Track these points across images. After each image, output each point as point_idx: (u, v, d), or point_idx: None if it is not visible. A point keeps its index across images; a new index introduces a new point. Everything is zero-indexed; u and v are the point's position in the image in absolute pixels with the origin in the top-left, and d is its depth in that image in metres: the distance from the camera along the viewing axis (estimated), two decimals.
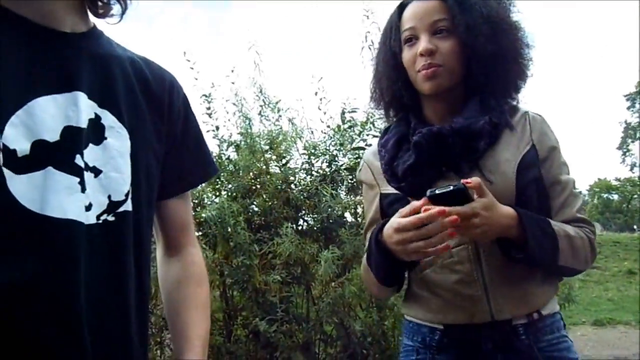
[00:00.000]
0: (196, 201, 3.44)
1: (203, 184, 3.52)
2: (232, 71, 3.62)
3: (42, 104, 0.67)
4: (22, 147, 0.64)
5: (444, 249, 0.85)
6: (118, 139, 0.74)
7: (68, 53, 0.72)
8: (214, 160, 0.99)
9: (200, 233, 3.33)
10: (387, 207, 1.08)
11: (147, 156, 0.79)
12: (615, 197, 49.75)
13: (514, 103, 1.10)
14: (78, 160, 0.69)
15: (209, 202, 3.37)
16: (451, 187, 0.80)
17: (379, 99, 1.16)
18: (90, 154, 0.71)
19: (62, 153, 0.68)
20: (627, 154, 42.20)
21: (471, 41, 0.99)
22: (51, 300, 0.63)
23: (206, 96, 3.60)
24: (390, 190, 1.06)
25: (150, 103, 0.81)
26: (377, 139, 1.19)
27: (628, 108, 41.48)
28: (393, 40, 1.08)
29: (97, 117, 0.72)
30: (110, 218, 0.72)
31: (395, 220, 0.88)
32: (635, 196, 47.36)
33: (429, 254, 0.86)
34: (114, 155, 0.73)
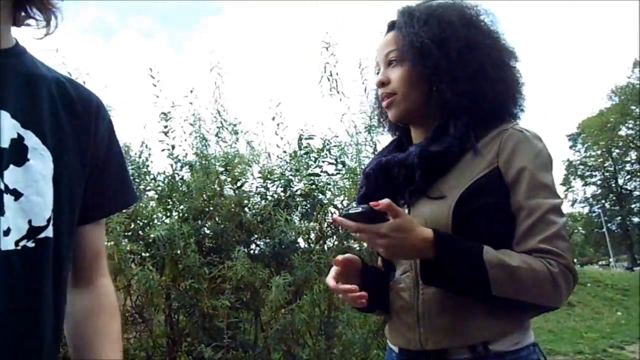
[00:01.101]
0: (146, 220, 3.34)
1: (154, 203, 3.43)
2: (191, 91, 3.59)
3: None
4: None
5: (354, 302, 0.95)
6: (41, 162, 0.70)
7: None
8: (135, 189, 0.96)
9: (148, 254, 3.23)
10: None
11: (70, 180, 0.75)
12: None
13: (507, 121, 1.01)
14: None
15: (158, 223, 3.28)
16: (360, 209, 0.84)
17: (381, 122, 1.26)
18: (11, 176, 0.67)
19: None
20: (569, 190, 44.47)
21: (419, 66, 1.01)
22: None
23: (164, 114, 3.54)
24: None
25: (75, 126, 0.78)
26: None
27: (570, 147, 43.98)
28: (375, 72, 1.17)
29: (20, 138, 0.69)
30: (30, 244, 0.67)
31: (328, 282, 1.01)
32: (576, 231, 49.74)
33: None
34: (37, 178, 0.69)
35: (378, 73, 1.12)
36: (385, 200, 0.84)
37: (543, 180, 0.93)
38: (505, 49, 1.06)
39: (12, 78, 0.71)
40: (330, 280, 0.98)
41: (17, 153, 0.68)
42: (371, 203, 0.84)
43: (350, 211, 0.86)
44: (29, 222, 0.68)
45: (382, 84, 1.08)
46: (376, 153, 1.23)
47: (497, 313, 0.90)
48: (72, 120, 0.77)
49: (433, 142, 1.00)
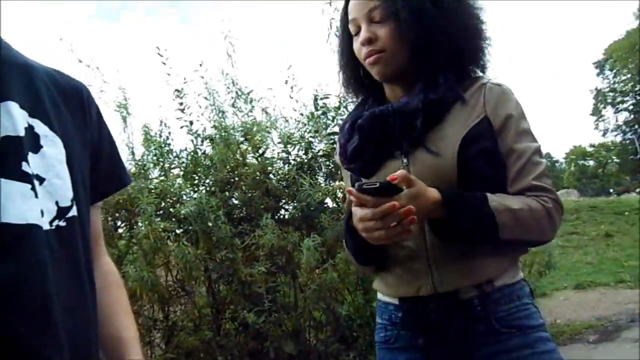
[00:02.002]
0: (175, 198, 3.41)
1: (180, 180, 3.49)
2: (201, 65, 3.57)
3: None
4: None
5: (407, 233, 0.86)
6: (54, 148, 0.75)
7: None
8: (127, 168, 1.00)
9: (181, 230, 3.32)
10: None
11: (80, 163, 0.80)
12: (591, 162, 50.91)
13: (477, 75, 1.09)
14: (25, 168, 0.70)
15: (187, 199, 3.34)
16: (377, 184, 0.83)
17: (346, 85, 1.19)
18: (32, 162, 0.71)
19: (8, 162, 0.68)
20: (600, 119, 43.10)
21: (410, 25, 1.00)
22: (28, 302, 0.65)
23: (178, 91, 3.55)
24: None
25: (72, 114, 0.82)
26: None
27: (597, 75, 42.28)
28: (342, 32, 1.13)
29: (31, 127, 0.73)
30: (62, 223, 0.73)
31: (354, 210, 0.89)
32: (610, 161, 48.53)
33: (392, 239, 0.88)
34: (54, 163, 0.74)
35: (355, 33, 1.07)
36: (402, 172, 0.85)
37: (525, 126, 1.02)
38: (476, 6, 1.09)
39: (11, 69, 0.74)
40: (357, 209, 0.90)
41: (31, 141, 0.72)
42: (388, 177, 0.84)
43: (365, 186, 0.84)
44: (56, 203, 0.73)
45: (369, 40, 1.03)
46: (346, 116, 1.20)
47: (499, 251, 0.98)
48: (68, 108, 0.81)
49: (427, 93, 1.01)
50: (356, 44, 1.07)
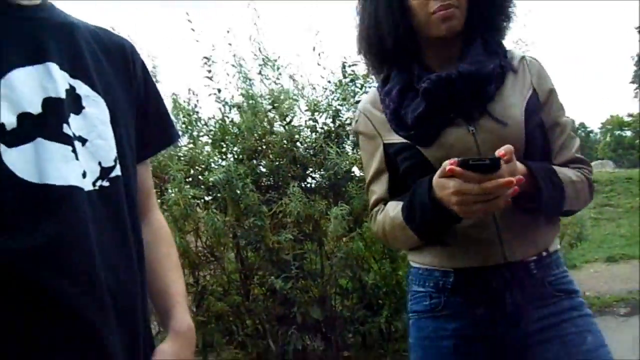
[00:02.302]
0: (203, 165, 3.46)
1: (209, 148, 3.53)
2: (228, 32, 3.54)
3: (18, 77, 0.67)
4: (9, 120, 0.65)
5: (506, 203, 0.84)
6: (96, 108, 0.75)
7: (32, 24, 0.71)
8: (175, 126, 0.99)
9: (210, 197, 3.37)
10: (394, 156, 1.05)
11: (124, 122, 0.80)
12: (628, 133, 49.02)
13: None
14: (66, 130, 0.70)
15: (215, 166, 3.38)
16: (487, 161, 0.80)
17: (377, 45, 1.07)
18: (74, 124, 0.71)
19: (49, 124, 0.68)
20: None
21: None
22: (71, 262, 0.66)
23: (206, 59, 3.54)
24: (395, 139, 1.04)
25: (116, 70, 0.81)
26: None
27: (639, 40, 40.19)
28: None
29: (72, 88, 0.72)
30: (105, 183, 0.73)
31: (446, 183, 0.84)
32: None
33: (490, 211, 0.88)
34: (96, 123, 0.74)
35: None
36: (510, 147, 0.84)
37: (560, 101, 1.05)
38: None
39: (52, 30, 0.73)
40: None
41: (73, 102, 0.72)
42: (497, 152, 0.81)
43: (472, 162, 0.80)
44: (99, 163, 0.73)
45: None
46: (383, 83, 1.09)
47: (551, 220, 1.03)
48: (112, 66, 0.80)
49: (489, 59, 0.99)
50: None
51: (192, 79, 4.46)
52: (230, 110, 3.60)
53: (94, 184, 0.72)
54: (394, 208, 1.03)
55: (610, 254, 6.26)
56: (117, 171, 0.76)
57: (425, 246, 1.04)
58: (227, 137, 3.50)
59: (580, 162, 1.02)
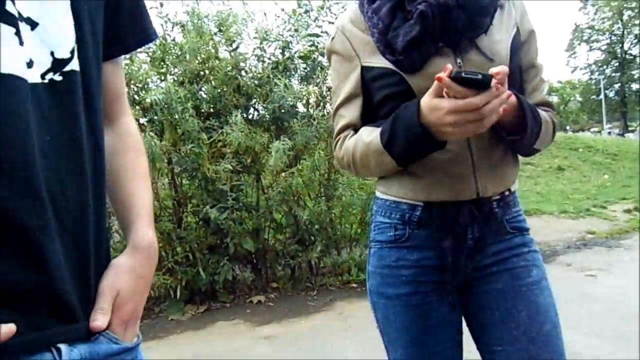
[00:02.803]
0: (140, 85, 3.24)
1: (147, 66, 3.30)
2: None
3: None
4: None
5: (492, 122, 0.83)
6: None
7: None
8: (152, 24, 0.87)
9: (145, 119, 3.20)
10: (371, 82, 1.00)
11: (89, 12, 0.68)
12: (555, 98, 51.90)
13: None
14: (9, 7, 0.59)
15: (153, 87, 3.18)
16: (480, 76, 0.76)
17: None
18: (23, 2, 0.60)
19: None
20: (572, 56, 43.31)
21: None
22: (5, 160, 0.57)
23: None
24: (376, 63, 0.98)
25: None
26: (332, 26, 1.08)
27: (580, 9, 41.80)
28: None
29: None
30: (57, 77, 0.63)
31: (445, 103, 0.81)
32: (572, 99, 49.62)
33: (479, 131, 0.85)
34: (52, 6, 0.63)
35: None
36: (504, 68, 0.79)
37: (537, 42, 1.06)
38: None
39: None
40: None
41: None
42: (491, 71, 0.77)
43: (463, 75, 0.76)
44: (52, 53, 0.63)
45: None
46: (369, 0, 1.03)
47: (516, 159, 1.06)
48: None
49: None
50: None
51: None
52: (172, 28, 3.35)
53: (42, 76, 0.62)
54: (370, 133, 0.99)
55: (526, 208, 6.75)
56: (74, 65, 0.65)
57: (393, 177, 1.03)
58: (167, 57, 3.29)
59: (549, 106, 1.05)
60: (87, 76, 0.67)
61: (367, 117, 1.03)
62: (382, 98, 0.98)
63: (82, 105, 0.66)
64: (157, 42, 3.33)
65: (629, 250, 4.61)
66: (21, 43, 0.59)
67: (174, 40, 3.38)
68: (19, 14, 0.60)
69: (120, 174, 0.77)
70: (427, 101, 0.85)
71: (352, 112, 1.04)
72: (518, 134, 0.94)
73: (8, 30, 0.58)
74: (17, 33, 0.59)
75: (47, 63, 0.62)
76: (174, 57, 3.28)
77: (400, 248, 1.03)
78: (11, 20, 0.59)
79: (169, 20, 3.34)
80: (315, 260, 3.58)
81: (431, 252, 1.01)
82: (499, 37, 0.97)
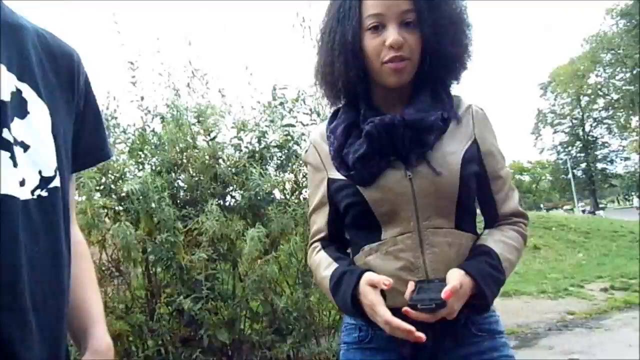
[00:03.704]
0: (117, 174, 3.27)
1: (125, 156, 3.35)
2: (158, 39, 3.44)
3: None
4: None
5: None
6: (40, 114, 0.72)
7: None
8: (109, 142, 0.98)
9: (121, 208, 3.19)
10: (335, 193, 1.07)
11: (64, 132, 0.77)
12: (527, 178, 53.69)
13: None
14: (6, 134, 0.66)
15: (131, 176, 3.22)
16: (433, 305, 0.87)
17: (330, 82, 1.08)
18: (17, 128, 0.68)
19: None
20: (539, 138, 45.51)
21: (435, 40, 0.99)
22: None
23: (131, 63, 3.39)
24: (338, 176, 1.05)
25: (60, 79, 0.78)
26: (307, 117, 1.18)
27: (540, 96, 44.60)
28: (353, 22, 1.01)
29: (19, 91, 0.69)
30: (44, 193, 0.71)
31: (383, 313, 0.91)
32: (543, 178, 51.35)
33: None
34: (39, 130, 0.71)
35: (377, 26, 0.99)
36: (454, 288, 0.88)
37: (501, 152, 1.10)
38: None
39: (2, 29, 0.70)
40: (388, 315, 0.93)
41: (18, 106, 0.69)
42: (443, 295, 0.86)
43: (420, 306, 0.88)
44: (40, 172, 0.71)
45: (401, 45, 0.98)
46: (332, 118, 1.13)
47: None
48: (56, 73, 0.78)
49: (434, 109, 1.02)
50: (374, 41, 0.99)
51: (114, 84, 4.23)
52: (152, 119, 3.46)
53: (32, 192, 0.69)
54: (327, 267, 1.06)
55: (505, 289, 6.72)
56: (57, 182, 0.73)
57: None
58: (146, 147, 3.36)
59: (520, 216, 1.07)
60: (64, 191, 0.75)
61: (339, 223, 1.11)
62: (345, 207, 1.06)
63: (62, 217, 0.73)
64: (136, 133, 3.42)
65: (609, 331, 4.58)
66: (15, 165, 0.67)
67: (153, 130, 3.48)
68: (15, 139, 0.68)
69: (75, 281, 0.82)
70: (366, 292, 0.95)
71: (321, 220, 1.13)
72: (481, 304, 0.97)
73: (5, 156, 0.66)
74: (12, 157, 0.67)
75: (36, 181, 0.70)
76: (152, 146, 3.35)
77: (364, 350, 1.04)
78: (7, 146, 0.66)
79: (149, 113, 3.45)
80: (293, 350, 3.45)
81: (393, 355, 1.00)
82: (450, 149, 1.01)
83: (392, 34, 0.98)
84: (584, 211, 32.49)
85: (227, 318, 3.30)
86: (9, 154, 0.66)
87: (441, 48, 1.00)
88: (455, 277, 0.91)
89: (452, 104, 1.05)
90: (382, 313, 0.91)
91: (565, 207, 39.31)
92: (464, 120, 1.05)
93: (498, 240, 1.02)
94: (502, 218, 1.07)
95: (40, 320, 0.67)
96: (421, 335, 0.87)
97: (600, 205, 42.30)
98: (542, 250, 10.68)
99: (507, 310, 5.73)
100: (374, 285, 0.94)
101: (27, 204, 0.67)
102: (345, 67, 1.02)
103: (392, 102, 1.05)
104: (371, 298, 0.93)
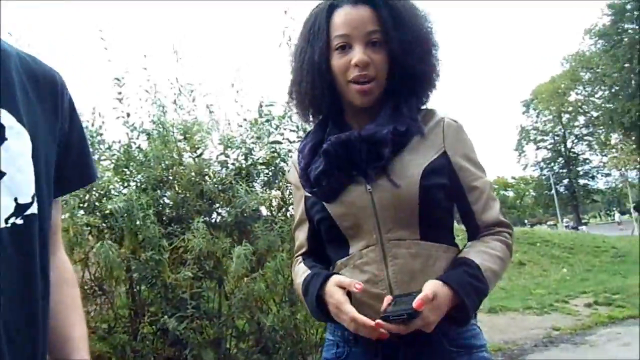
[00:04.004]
0: (102, 192, 3.23)
1: (110, 173, 3.31)
2: (145, 56, 3.43)
3: None
4: None
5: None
6: (18, 140, 0.71)
7: None
8: (95, 164, 0.97)
9: (105, 226, 3.14)
10: (309, 209, 1.11)
11: (46, 157, 0.76)
12: (511, 193, 54.31)
13: (425, 107, 1.12)
14: None
15: (116, 194, 3.18)
16: (405, 315, 0.87)
17: (299, 101, 1.12)
18: None
19: None
20: (522, 154, 46.20)
21: (402, 59, 1.01)
22: None
23: (118, 80, 3.38)
24: (309, 193, 1.09)
25: (43, 103, 0.78)
26: (293, 133, 1.22)
27: (523, 113, 45.42)
28: (321, 42, 1.04)
29: None
30: (19, 221, 0.69)
31: (348, 310, 0.93)
32: (527, 193, 52.00)
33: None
34: (16, 156, 0.70)
35: (344, 46, 1.03)
36: (425, 297, 0.87)
37: (478, 161, 1.08)
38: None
39: None
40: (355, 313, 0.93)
41: None
42: (415, 305, 0.86)
43: (392, 317, 0.88)
44: (15, 199, 0.69)
45: (367, 64, 1.01)
46: (304, 138, 1.17)
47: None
48: (39, 98, 0.77)
49: (392, 123, 1.03)
50: (340, 61, 1.03)
51: (99, 99, 4.21)
52: (138, 136, 3.44)
53: (6, 221, 0.67)
54: (301, 275, 1.09)
55: (491, 305, 6.75)
56: (34, 209, 0.71)
57: None
58: (131, 164, 3.33)
59: (502, 226, 1.05)
60: (42, 218, 0.73)
61: (317, 238, 1.14)
62: (316, 222, 1.10)
63: (38, 245, 0.72)
64: (122, 149, 3.39)
65: (594, 347, 4.61)
66: None
67: (139, 147, 3.45)
68: None
69: (58, 307, 0.81)
70: (332, 292, 0.97)
71: (302, 235, 1.17)
72: (461, 315, 0.95)
73: None
74: None
75: (11, 208, 0.68)
76: (138, 163, 3.32)
77: None
78: None
79: (135, 129, 3.43)
80: None
81: None
82: (411, 163, 1.02)
83: (357, 54, 1.01)
84: (567, 226, 32.91)
85: (212, 337, 3.25)
86: None
87: (407, 66, 1.02)
88: (429, 287, 0.90)
89: (415, 117, 1.05)
90: (348, 310, 0.92)
91: (549, 223, 39.80)
92: (432, 132, 1.05)
93: (479, 251, 1.00)
94: (484, 229, 1.05)
95: (15, 350, 0.66)
96: (384, 331, 0.88)
97: (583, 221, 42.90)
98: (527, 266, 10.77)
99: (493, 327, 5.74)
100: (342, 287, 0.95)
101: (0, 232, 0.66)
102: (311, 86, 1.06)
103: (362, 119, 1.08)
104: (337, 297, 0.95)
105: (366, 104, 1.05)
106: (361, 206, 1.01)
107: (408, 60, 1.02)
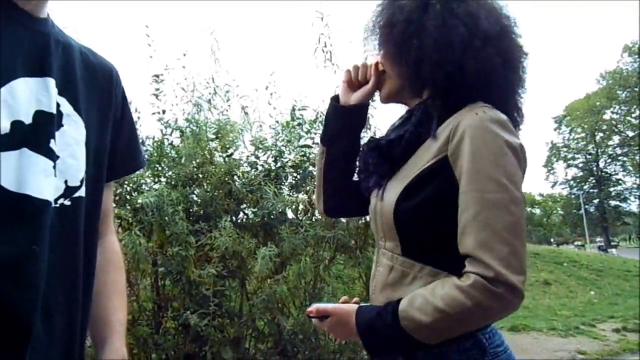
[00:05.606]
0: (133, 186, 3.30)
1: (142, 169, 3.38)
2: (185, 55, 3.50)
3: (20, 86, 0.68)
4: (4, 125, 0.66)
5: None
6: (74, 127, 0.76)
7: (41, 38, 0.74)
8: (143, 152, 1.04)
9: (135, 219, 3.20)
10: None
11: (97, 145, 0.81)
12: (538, 211, 53.13)
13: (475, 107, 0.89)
14: (52, 145, 0.71)
15: (147, 188, 3.24)
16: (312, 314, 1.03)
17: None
18: (56, 139, 0.73)
19: (37, 136, 0.69)
20: (551, 171, 45.21)
21: (403, 46, 1.02)
22: (26, 274, 0.67)
23: (157, 77, 3.45)
24: None
25: (98, 93, 0.84)
26: None
27: (555, 129, 44.46)
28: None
29: (58, 105, 0.75)
30: (67, 202, 0.74)
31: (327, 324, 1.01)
32: (555, 212, 50.81)
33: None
34: (71, 142, 0.75)
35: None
36: (316, 309, 1.00)
37: (490, 169, 0.82)
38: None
39: (54, 46, 0.76)
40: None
41: (57, 119, 0.75)
42: (307, 310, 1.01)
43: (310, 317, 1.04)
44: (65, 182, 0.75)
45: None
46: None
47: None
48: (96, 88, 0.83)
49: (395, 129, 1.06)
50: None
51: (136, 95, 4.31)
52: (171, 133, 3.50)
53: (56, 201, 0.72)
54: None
55: (514, 324, 6.61)
56: (82, 192, 0.77)
57: None
58: (163, 160, 3.39)
59: (474, 263, 0.80)
60: (91, 201, 0.79)
61: None
62: None
63: (83, 226, 0.77)
64: (155, 145, 3.46)
65: None
66: (55, 174, 0.72)
67: (171, 143, 3.51)
68: (56, 149, 0.73)
69: (101, 290, 0.85)
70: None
71: None
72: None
73: (49, 164, 0.71)
74: (54, 166, 0.72)
75: (61, 190, 0.74)
76: (170, 160, 3.38)
77: None
78: (51, 155, 0.71)
79: (169, 126, 3.49)
80: None
81: None
82: (404, 174, 0.96)
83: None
84: (600, 247, 31.96)
85: (232, 336, 3.27)
86: (52, 163, 0.71)
87: (406, 52, 0.99)
88: (342, 306, 0.98)
89: (421, 120, 0.96)
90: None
91: (576, 243, 38.76)
92: (442, 133, 0.90)
93: (418, 294, 0.85)
94: (464, 259, 0.84)
95: (52, 324, 0.70)
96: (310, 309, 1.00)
97: (612, 243, 41.64)
98: (552, 286, 10.49)
99: (515, 346, 5.60)
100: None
101: (53, 211, 0.71)
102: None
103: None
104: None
105: (383, 99, 1.12)
106: (371, 210, 1.06)
107: (407, 46, 0.99)
